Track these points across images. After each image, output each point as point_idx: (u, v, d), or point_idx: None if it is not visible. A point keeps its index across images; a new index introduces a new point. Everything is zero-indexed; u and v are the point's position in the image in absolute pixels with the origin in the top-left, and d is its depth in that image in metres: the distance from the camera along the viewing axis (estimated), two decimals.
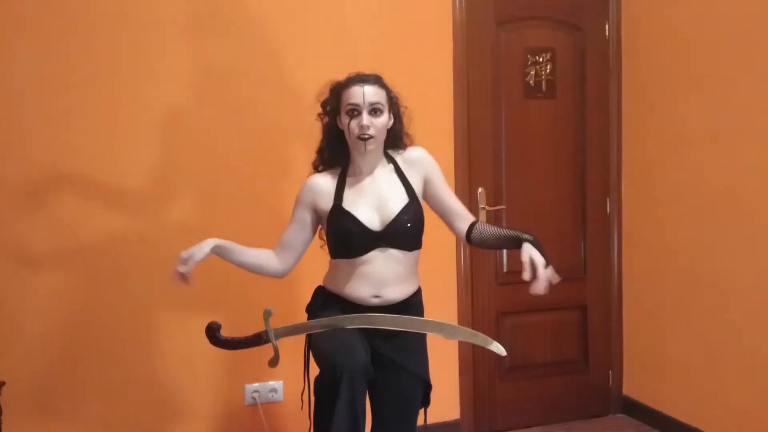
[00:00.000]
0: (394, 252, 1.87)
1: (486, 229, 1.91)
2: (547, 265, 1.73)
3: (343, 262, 1.91)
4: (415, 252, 1.93)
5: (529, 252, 1.74)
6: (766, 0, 2.50)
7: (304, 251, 1.99)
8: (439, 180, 1.98)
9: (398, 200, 1.89)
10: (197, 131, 2.64)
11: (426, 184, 1.97)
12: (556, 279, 1.73)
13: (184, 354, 2.64)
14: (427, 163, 1.97)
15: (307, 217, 1.96)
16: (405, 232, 1.87)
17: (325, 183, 1.94)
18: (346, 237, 1.87)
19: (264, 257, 1.95)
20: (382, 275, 1.87)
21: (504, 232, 1.89)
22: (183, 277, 1.81)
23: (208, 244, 1.83)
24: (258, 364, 2.67)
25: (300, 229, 1.96)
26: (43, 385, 2.50)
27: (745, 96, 2.59)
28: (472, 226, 1.92)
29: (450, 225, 1.99)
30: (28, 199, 2.46)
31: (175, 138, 2.62)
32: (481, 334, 1.81)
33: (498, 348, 1.78)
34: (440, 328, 1.85)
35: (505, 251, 3.11)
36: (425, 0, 2.94)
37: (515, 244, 1.82)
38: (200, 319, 2.47)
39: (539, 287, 1.72)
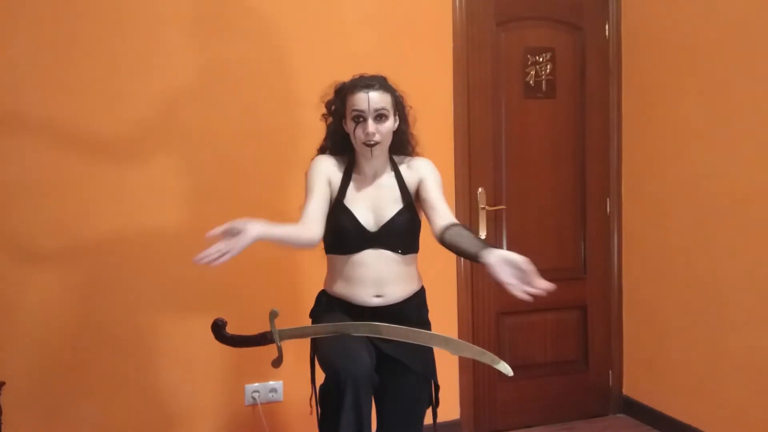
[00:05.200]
0: (387, 253, 1.87)
1: (463, 231, 1.77)
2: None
3: (337, 260, 1.91)
4: (409, 255, 1.93)
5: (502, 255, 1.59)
6: (765, 0, 2.50)
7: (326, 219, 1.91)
8: (434, 183, 1.94)
9: (394, 204, 1.90)
10: (198, 131, 2.64)
11: (420, 184, 1.94)
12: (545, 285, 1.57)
13: (185, 354, 2.64)
14: (426, 168, 1.96)
15: (327, 188, 1.91)
16: (398, 235, 1.88)
17: (334, 164, 1.95)
18: (341, 233, 1.88)
19: (300, 231, 1.83)
20: (378, 275, 1.87)
21: (477, 240, 1.75)
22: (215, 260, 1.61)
23: (250, 235, 1.62)
24: (258, 364, 2.67)
25: (324, 199, 1.90)
26: (43, 385, 2.50)
27: (745, 96, 2.59)
28: (451, 225, 1.81)
29: (430, 221, 1.90)
30: (28, 200, 2.46)
31: (175, 138, 2.62)
32: (488, 353, 1.78)
33: (505, 368, 1.74)
34: (446, 342, 1.83)
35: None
36: (425, 0, 2.94)
37: (477, 250, 1.65)
38: (201, 319, 2.47)
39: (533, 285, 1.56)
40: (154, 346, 2.62)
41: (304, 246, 1.85)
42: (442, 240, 1.80)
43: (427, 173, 1.96)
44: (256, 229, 1.64)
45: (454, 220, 1.85)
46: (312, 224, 1.85)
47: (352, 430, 1.69)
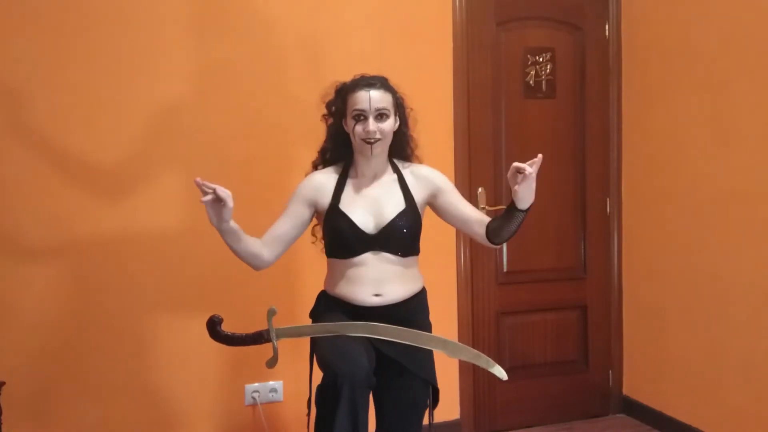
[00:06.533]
0: (387, 255, 1.87)
1: (496, 221, 1.86)
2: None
3: (338, 263, 1.91)
4: (410, 257, 1.93)
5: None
6: (765, 0, 2.50)
7: (290, 245, 1.95)
8: (454, 193, 1.97)
9: (395, 206, 1.89)
10: (197, 130, 2.64)
11: (437, 197, 1.96)
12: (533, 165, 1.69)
13: (185, 354, 2.64)
14: (435, 178, 1.97)
15: (302, 213, 1.93)
16: (399, 237, 1.87)
17: (326, 180, 1.95)
18: (339, 237, 1.88)
19: (258, 247, 1.88)
20: (377, 275, 1.87)
21: (505, 212, 1.83)
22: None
23: (227, 219, 1.74)
24: (258, 364, 2.65)
25: (293, 225, 1.93)
26: (43, 386, 2.50)
27: (745, 96, 2.59)
28: (487, 225, 1.88)
29: (470, 233, 1.95)
30: (28, 199, 2.46)
31: (174, 137, 2.62)
32: (484, 356, 1.80)
33: (500, 372, 1.76)
34: (444, 345, 1.84)
35: (505, 250, 3.11)
36: (425, 0, 2.94)
37: (509, 213, 1.79)
38: (200, 319, 2.47)
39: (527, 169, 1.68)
40: (154, 346, 2.62)
41: (252, 265, 1.89)
42: (492, 242, 1.88)
43: (442, 184, 1.97)
44: (229, 214, 1.73)
45: (485, 218, 1.90)
46: (273, 245, 1.89)
47: (347, 431, 1.68)
